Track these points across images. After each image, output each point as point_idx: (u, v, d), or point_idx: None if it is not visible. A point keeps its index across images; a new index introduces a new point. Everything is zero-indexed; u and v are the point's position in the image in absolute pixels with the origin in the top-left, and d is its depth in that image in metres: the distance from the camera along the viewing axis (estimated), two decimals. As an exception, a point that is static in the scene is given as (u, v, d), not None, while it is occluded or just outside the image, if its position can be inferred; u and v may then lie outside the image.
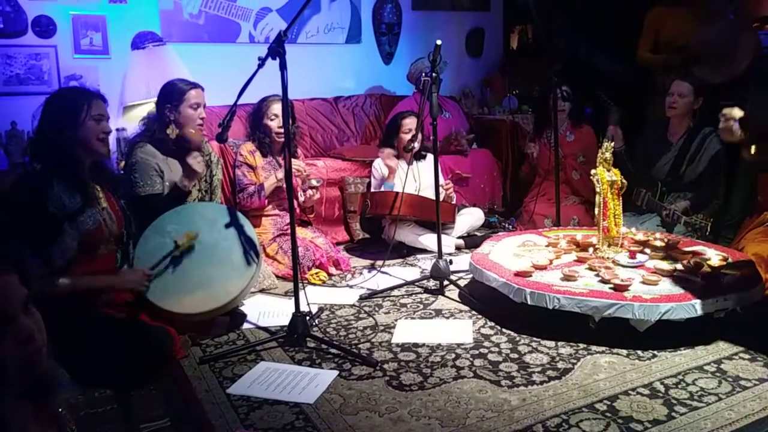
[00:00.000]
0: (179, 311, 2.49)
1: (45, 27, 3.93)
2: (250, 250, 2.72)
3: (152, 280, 2.48)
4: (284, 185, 3.33)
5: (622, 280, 2.58)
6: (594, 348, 2.52)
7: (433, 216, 3.27)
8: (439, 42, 3.06)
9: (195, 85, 3.11)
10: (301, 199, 3.67)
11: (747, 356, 2.41)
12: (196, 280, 2.58)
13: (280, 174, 3.51)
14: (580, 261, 2.95)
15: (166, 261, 2.54)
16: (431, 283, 3.33)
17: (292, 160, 2.82)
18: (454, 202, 4.03)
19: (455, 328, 2.77)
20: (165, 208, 2.76)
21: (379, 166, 4.07)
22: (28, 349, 1.00)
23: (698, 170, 3.63)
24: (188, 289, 2.55)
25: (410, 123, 3.99)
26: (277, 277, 3.48)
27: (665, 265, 2.77)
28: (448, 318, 2.93)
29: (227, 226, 2.77)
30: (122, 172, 3.16)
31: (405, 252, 3.98)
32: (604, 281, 2.64)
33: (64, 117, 2.27)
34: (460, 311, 3.00)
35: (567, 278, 2.69)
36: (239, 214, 2.84)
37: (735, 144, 2.75)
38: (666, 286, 2.59)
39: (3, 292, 0.99)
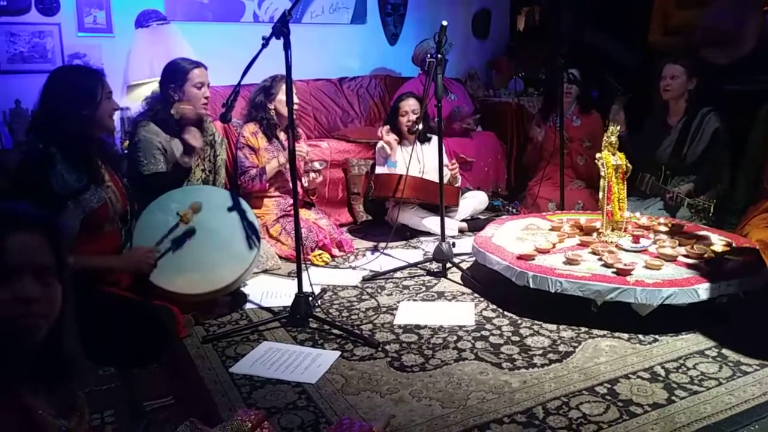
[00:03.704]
0: (172, 290, 2.50)
1: (48, 4, 3.90)
2: (252, 234, 2.73)
3: (158, 259, 2.49)
4: (287, 167, 3.32)
5: (624, 265, 2.58)
6: (595, 332, 2.52)
7: (437, 199, 3.26)
8: (444, 23, 3.03)
9: (198, 64, 3.09)
10: (305, 182, 3.66)
11: (748, 341, 2.41)
12: (194, 262, 2.59)
13: (283, 158, 3.50)
14: (584, 245, 2.95)
15: (170, 236, 2.55)
16: (434, 266, 3.33)
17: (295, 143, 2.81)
18: (458, 184, 4.02)
19: (457, 311, 2.78)
20: (168, 187, 2.76)
21: (382, 148, 4.06)
22: (21, 311, 1.01)
23: (699, 150, 3.62)
24: (184, 270, 2.56)
25: (407, 105, 3.98)
26: (280, 257, 3.49)
27: (668, 250, 2.77)
28: (450, 300, 2.93)
29: (230, 212, 2.77)
30: (126, 151, 3.16)
31: (408, 234, 3.98)
32: (606, 265, 2.64)
33: (75, 96, 2.28)
34: (463, 294, 3.01)
35: (570, 262, 2.69)
36: (244, 202, 2.84)
37: (739, 126, 2.75)
38: (669, 271, 2.59)
39: (17, 245, 1.02)
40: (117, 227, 2.46)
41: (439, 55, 3.04)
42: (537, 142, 4.39)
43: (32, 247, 1.04)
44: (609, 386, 2.11)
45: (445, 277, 3.23)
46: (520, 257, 2.76)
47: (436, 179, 3.29)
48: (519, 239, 3.09)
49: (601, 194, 2.98)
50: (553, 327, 2.58)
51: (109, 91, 2.38)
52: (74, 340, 1.13)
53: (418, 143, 3.99)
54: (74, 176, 2.25)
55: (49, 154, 2.22)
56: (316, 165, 3.66)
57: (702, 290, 2.43)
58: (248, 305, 2.89)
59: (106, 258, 2.37)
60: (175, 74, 3.04)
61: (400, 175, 3.67)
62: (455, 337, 2.51)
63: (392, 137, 3.94)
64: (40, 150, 2.25)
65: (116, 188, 2.43)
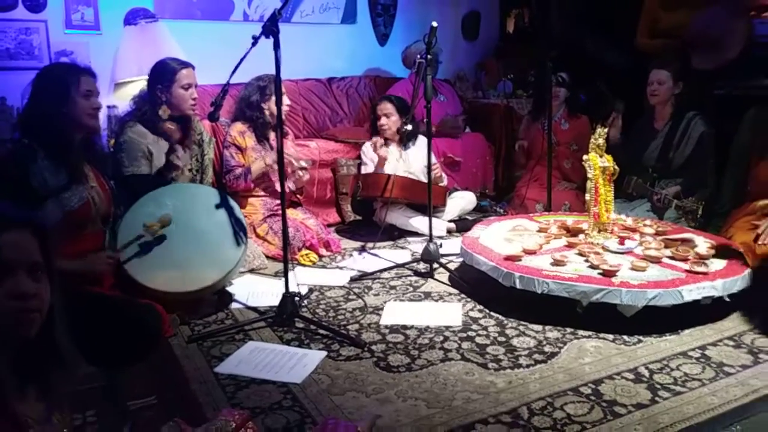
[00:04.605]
0: (157, 288, 2.47)
1: (35, 1, 3.87)
2: (240, 230, 2.72)
3: (125, 263, 2.45)
4: (275, 167, 3.31)
5: (610, 266, 2.60)
6: (581, 332, 2.54)
7: (425, 199, 3.27)
8: (434, 24, 3.03)
9: (186, 65, 3.07)
10: (291, 185, 3.65)
11: (731, 343, 2.44)
12: (180, 260, 2.56)
13: (269, 159, 3.49)
14: (570, 246, 2.96)
15: (135, 244, 2.50)
16: (421, 266, 3.34)
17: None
18: (442, 184, 4.03)
19: (444, 311, 2.79)
20: (147, 190, 2.73)
21: (367, 151, 4.07)
22: (17, 306, 1.05)
23: (686, 153, 3.66)
24: (170, 267, 2.53)
25: (380, 110, 4.02)
26: (267, 257, 3.48)
27: (654, 252, 2.79)
28: (437, 301, 2.94)
29: (219, 215, 2.75)
30: (112, 150, 3.14)
31: (396, 234, 3.98)
32: (593, 267, 2.66)
33: (54, 93, 2.26)
34: (450, 294, 3.01)
35: (556, 263, 2.70)
36: (231, 200, 2.82)
37: (725, 130, 2.78)
38: (654, 273, 2.61)
39: (11, 244, 1.06)
40: (100, 228, 2.44)
41: (428, 56, 3.05)
42: (523, 150, 4.43)
43: (24, 244, 1.08)
44: (593, 387, 2.12)
45: (432, 277, 3.23)
46: (507, 258, 2.77)
47: (422, 179, 3.29)
48: (506, 240, 3.10)
49: (587, 196, 3.00)
50: (539, 327, 2.59)
51: (87, 89, 2.31)
52: (65, 335, 1.17)
53: (402, 146, 3.99)
54: (54, 175, 2.23)
55: (31, 150, 2.20)
56: (303, 163, 3.65)
57: (686, 292, 2.45)
58: (234, 305, 2.88)
59: (72, 262, 2.25)
60: (163, 75, 3.02)
61: (389, 175, 3.68)
62: (441, 338, 2.51)
63: (384, 151, 3.95)
64: (23, 146, 2.23)
65: (101, 189, 2.41)
